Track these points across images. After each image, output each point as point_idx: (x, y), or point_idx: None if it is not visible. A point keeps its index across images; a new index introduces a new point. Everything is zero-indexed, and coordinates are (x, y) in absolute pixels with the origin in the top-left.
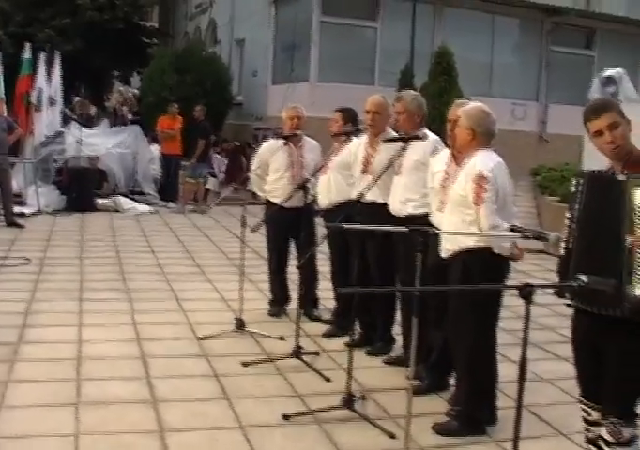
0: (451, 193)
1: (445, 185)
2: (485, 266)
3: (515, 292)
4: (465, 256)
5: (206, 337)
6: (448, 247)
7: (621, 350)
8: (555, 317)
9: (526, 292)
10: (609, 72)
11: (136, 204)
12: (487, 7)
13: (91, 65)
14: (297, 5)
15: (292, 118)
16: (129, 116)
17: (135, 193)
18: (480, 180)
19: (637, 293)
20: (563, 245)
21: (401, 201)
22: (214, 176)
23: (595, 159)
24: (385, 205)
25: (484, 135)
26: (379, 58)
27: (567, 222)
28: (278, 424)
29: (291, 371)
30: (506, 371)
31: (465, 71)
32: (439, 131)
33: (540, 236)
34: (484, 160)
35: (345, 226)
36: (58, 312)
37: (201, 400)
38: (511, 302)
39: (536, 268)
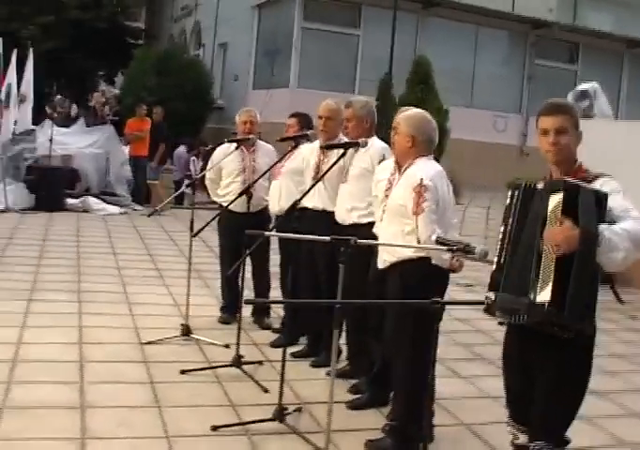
0: (390, 202)
1: (388, 194)
2: (423, 277)
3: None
4: (403, 267)
5: (150, 343)
6: (385, 257)
7: (550, 367)
8: None
9: (434, 309)
10: (583, 86)
11: (105, 205)
12: (471, 18)
13: (75, 63)
14: (279, 10)
15: (245, 122)
16: (110, 116)
17: (107, 194)
18: (420, 189)
19: (536, 300)
20: (495, 259)
21: (346, 209)
22: (190, 179)
23: None
24: (332, 213)
25: (425, 142)
26: (360, 66)
27: (500, 236)
28: (205, 434)
29: (230, 381)
30: (452, 387)
31: (447, 82)
32: None
33: (465, 250)
34: (425, 168)
35: (266, 234)
36: (2, 313)
37: (131, 408)
38: (470, 315)
39: None
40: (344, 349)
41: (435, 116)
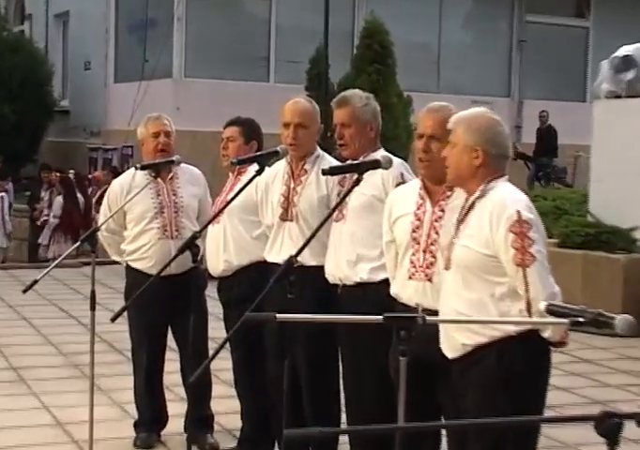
0: (460, 254)
1: (417, 236)
2: (528, 362)
3: None
4: (500, 349)
5: None
6: (463, 340)
7: None
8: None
9: (610, 427)
10: (625, 50)
11: None
12: None
13: None
14: None
15: (156, 135)
16: None
17: None
18: (522, 226)
19: None
20: None
21: (348, 261)
22: None
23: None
24: (314, 269)
25: (500, 158)
26: (275, 41)
27: None
28: None
29: None
30: None
31: (403, 58)
32: None
33: (598, 321)
34: (513, 196)
35: (278, 316)
36: None
37: None
38: None
39: (576, 346)
40: None
41: (397, 106)
